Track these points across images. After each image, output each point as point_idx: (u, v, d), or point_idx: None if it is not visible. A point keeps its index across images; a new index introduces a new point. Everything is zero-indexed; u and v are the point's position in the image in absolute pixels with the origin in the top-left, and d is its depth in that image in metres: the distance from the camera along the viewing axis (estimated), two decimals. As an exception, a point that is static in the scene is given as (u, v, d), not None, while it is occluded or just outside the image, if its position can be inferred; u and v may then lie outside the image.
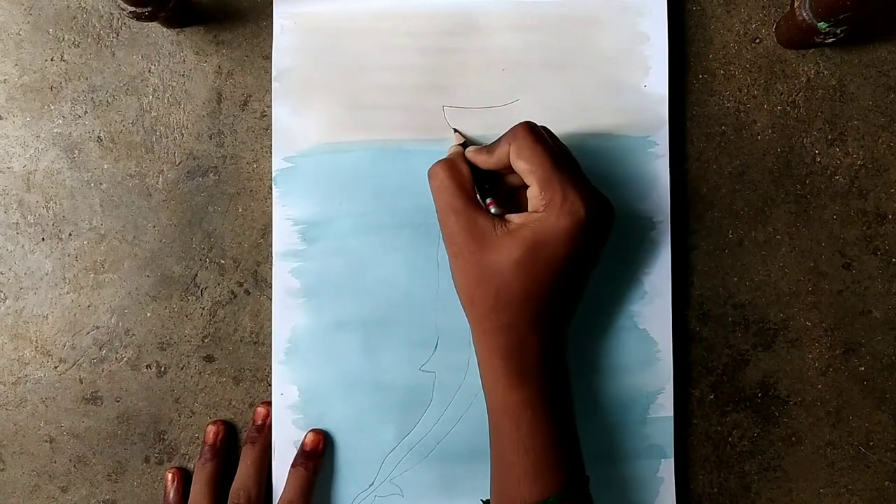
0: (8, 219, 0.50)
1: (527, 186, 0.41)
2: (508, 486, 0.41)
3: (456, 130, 0.48)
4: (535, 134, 0.41)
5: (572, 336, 0.45)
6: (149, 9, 0.45)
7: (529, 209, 0.41)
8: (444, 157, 0.44)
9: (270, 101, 0.49)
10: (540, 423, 0.41)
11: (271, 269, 0.49)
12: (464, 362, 0.49)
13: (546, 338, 0.42)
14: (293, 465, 0.48)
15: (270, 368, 0.49)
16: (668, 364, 0.49)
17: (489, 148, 0.43)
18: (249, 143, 0.50)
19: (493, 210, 0.43)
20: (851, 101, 0.50)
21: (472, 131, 0.49)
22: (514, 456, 0.41)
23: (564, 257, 0.40)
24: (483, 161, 0.43)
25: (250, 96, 0.50)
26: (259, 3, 0.50)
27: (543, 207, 0.40)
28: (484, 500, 0.44)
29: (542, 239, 0.40)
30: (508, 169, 0.42)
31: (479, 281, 0.41)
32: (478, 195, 0.43)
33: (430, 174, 0.43)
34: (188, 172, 0.50)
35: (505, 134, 0.42)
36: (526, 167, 0.41)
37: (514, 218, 0.41)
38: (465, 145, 0.46)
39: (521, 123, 0.42)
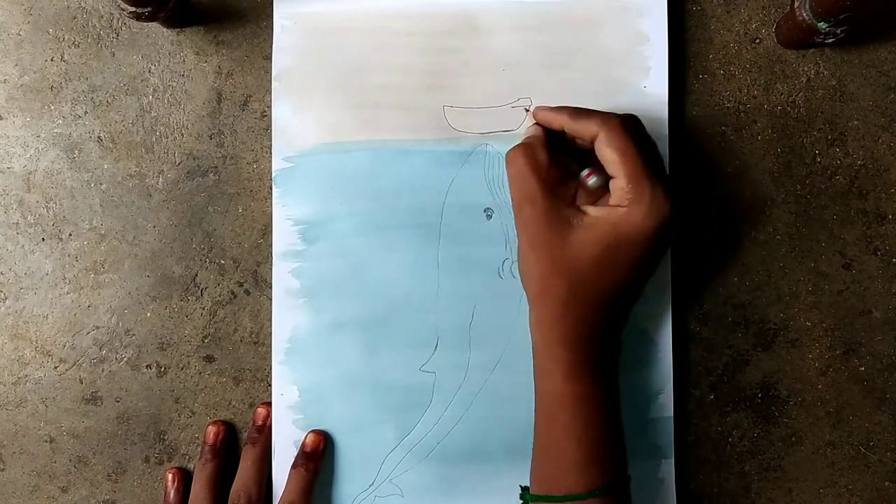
0: (8, 219, 0.50)
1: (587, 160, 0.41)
2: (556, 474, 0.41)
3: (527, 110, 0.48)
4: (628, 125, 0.41)
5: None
6: (149, 9, 0.45)
7: (612, 202, 0.40)
8: (522, 140, 0.43)
9: (270, 101, 0.49)
10: (595, 417, 0.41)
11: (271, 269, 0.49)
12: (464, 362, 0.49)
13: (611, 334, 0.42)
14: (293, 466, 0.48)
15: (270, 368, 0.49)
16: (668, 364, 0.49)
17: (573, 112, 0.42)
18: (249, 143, 0.50)
19: (591, 181, 0.41)
20: (851, 101, 0.50)
21: (472, 131, 0.49)
22: (565, 446, 0.41)
23: (644, 256, 0.40)
24: (560, 119, 0.42)
25: (250, 96, 0.50)
26: (259, 3, 0.50)
27: (629, 202, 0.40)
28: (523, 486, 0.44)
29: (625, 235, 0.40)
30: (580, 141, 0.42)
31: (554, 273, 0.40)
32: (573, 166, 0.42)
33: (508, 159, 0.43)
34: (188, 172, 0.50)
35: (594, 113, 0.41)
36: (615, 157, 0.40)
37: (593, 211, 0.41)
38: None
39: (615, 114, 0.41)
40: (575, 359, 0.41)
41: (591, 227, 0.40)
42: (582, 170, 0.43)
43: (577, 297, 0.40)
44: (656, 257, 0.42)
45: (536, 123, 0.45)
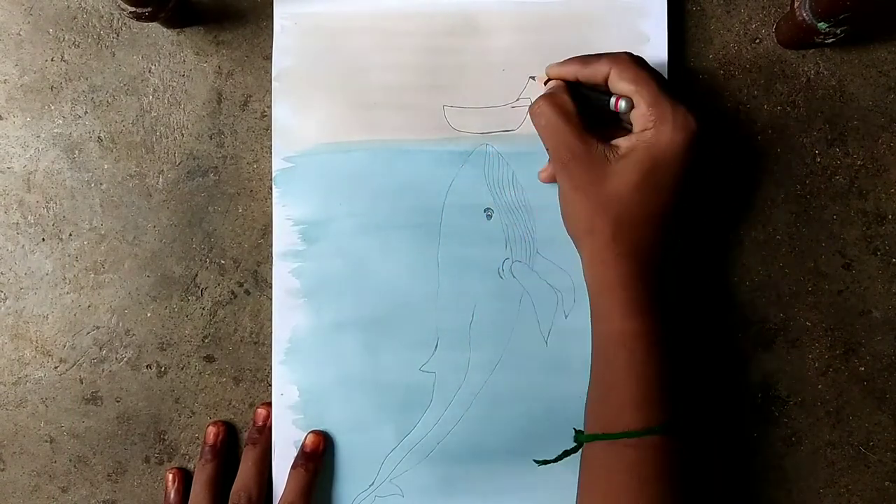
0: (8, 219, 0.50)
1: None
2: (611, 411, 0.41)
3: (533, 78, 0.48)
4: (637, 58, 0.42)
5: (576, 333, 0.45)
6: (149, 9, 0.45)
7: (636, 129, 0.42)
8: (545, 92, 0.44)
9: (270, 101, 0.49)
10: (654, 354, 0.41)
11: (271, 269, 0.49)
12: (464, 363, 0.49)
13: (662, 267, 0.42)
14: (293, 467, 0.48)
15: (270, 368, 0.49)
16: (669, 364, 0.48)
17: (583, 59, 0.44)
18: (249, 143, 0.50)
19: (622, 105, 0.42)
20: (851, 102, 0.50)
21: (472, 131, 0.49)
22: (622, 383, 0.41)
23: (681, 172, 0.41)
24: (573, 70, 0.44)
25: (250, 96, 0.50)
26: (259, 3, 0.50)
27: (653, 124, 0.41)
28: (577, 429, 0.44)
29: (659, 156, 0.41)
30: (594, 80, 0.43)
31: (600, 210, 0.41)
32: (599, 93, 0.43)
33: (534, 113, 0.44)
34: (188, 172, 0.50)
35: (603, 55, 0.43)
36: (631, 87, 0.41)
37: (623, 142, 0.42)
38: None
39: (622, 52, 0.43)
40: (630, 295, 0.41)
41: (626, 157, 0.41)
42: (608, 98, 0.43)
43: (623, 231, 0.41)
44: (690, 173, 0.42)
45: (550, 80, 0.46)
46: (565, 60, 0.45)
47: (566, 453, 0.45)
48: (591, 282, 0.43)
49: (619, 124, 0.45)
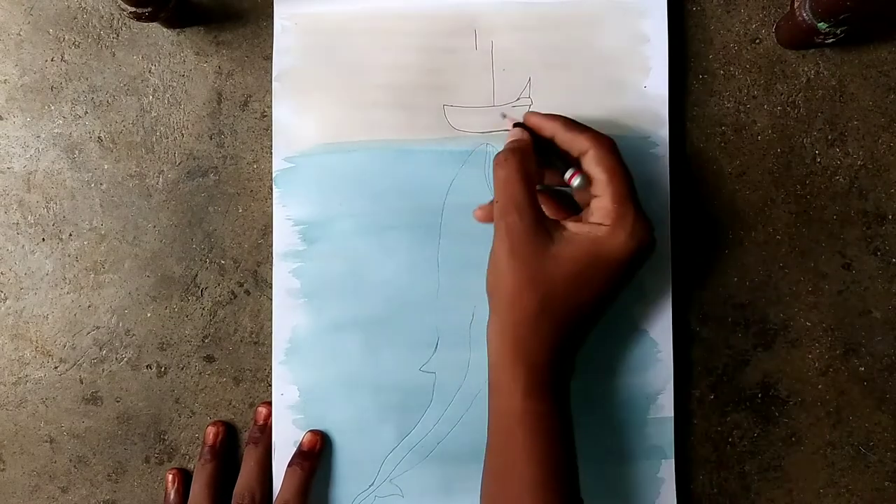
0: (8, 219, 0.50)
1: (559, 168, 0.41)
2: (510, 494, 0.40)
3: (504, 115, 0.48)
4: (617, 150, 0.41)
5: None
6: (149, 9, 0.45)
7: (591, 219, 0.40)
8: (510, 143, 0.43)
9: (270, 101, 0.49)
10: (554, 438, 0.40)
11: (271, 269, 0.49)
12: (464, 363, 0.49)
13: (570, 355, 0.41)
14: (289, 465, 0.48)
15: (270, 369, 0.49)
16: (669, 364, 0.48)
17: (566, 122, 0.42)
18: (249, 144, 0.50)
19: (576, 182, 0.41)
20: (851, 102, 0.50)
21: (472, 131, 0.49)
22: (522, 467, 0.39)
23: (620, 278, 0.40)
24: (552, 127, 0.42)
25: (250, 96, 0.50)
26: (259, 3, 0.50)
27: (612, 222, 0.39)
28: None
29: (606, 255, 0.39)
30: (566, 153, 0.42)
31: (529, 285, 0.39)
32: (559, 157, 0.43)
33: (498, 162, 0.42)
34: (188, 172, 0.50)
35: (587, 130, 0.42)
36: (603, 176, 0.40)
37: (574, 227, 0.40)
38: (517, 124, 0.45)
39: (606, 136, 0.41)
40: (535, 377, 0.40)
41: (571, 242, 0.40)
42: (566, 168, 0.42)
43: (546, 313, 0.40)
44: (627, 281, 0.41)
45: (520, 127, 0.44)
46: (549, 115, 0.43)
47: None
48: (496, 352, 0.41)
49: (566, 197, 0.44)
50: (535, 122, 0.44)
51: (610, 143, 0.41)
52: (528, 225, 0.40)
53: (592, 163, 0.41)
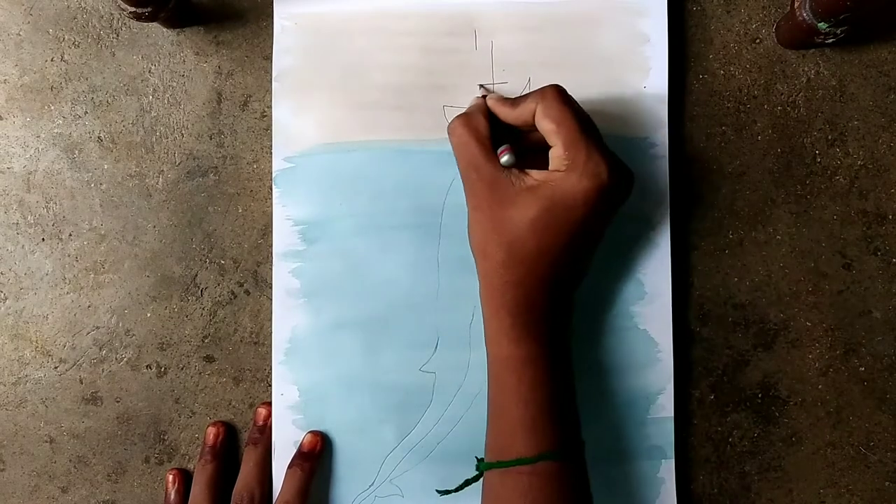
0: (8, 219, 0.50)
1: (547, 148, 0.42)
2: (504, 438, 0.41)
3: (481, 86, 0.48)
4: (564, 96, 0.42)
5: (574, 333, 0.45)
6: (149, 9, 0.45)
7: (551, 168, 0.41)
8: (464, 111, 0.44)
9: (270, 101, 0.49)
10: (541, 380, 0.41)
11: (271, 269, 0.49)
12: (464, 362, 0.49)
13: (554, 298, 0.42)
14: (290, 466, 0.48)
15: (270, 369, 0.49)
16: (669, 365, 0.48)
17: (514, 101, 0.43)
18: (249, 144, 0.50)
19: (504, 159, 0.42)
20: (851, 102, 0.50)
21: (473, 131, 0.49)
22: (513, 409, 0.41)
23: (581, 219, 0.41)
24: (505, 113, 0.43)
25: (250, 96, 0.50)
26: (259, 3, 0.50)
27: (566, 167, 0.40)
28: (479, 457, 0.44)
29: (561, 198, 0.40)
30: (529, 127, 0.43)
31: (494, 234, 0.41)
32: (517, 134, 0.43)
33: (449, 130, 0.44)
34: (188, 172, 0.50)
35: (532, 92, 0.43)
36: (551, 127, 0.41)
37: (535, 174, 0.41)
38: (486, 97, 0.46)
39: (550, 85, 0.42)
40: (517, 322, 0.41)
41: (530, 191, 0.41)
42: (499, 146, 0.43)
43: (513, 259, 0.41)
44: (595, 224, 0.42)
45: (482, 97, 0.46)
46: (501, 98, 0.44)
47: (467, 482, 0.45)
48: (483, 304, 0.43)
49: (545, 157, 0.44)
50: (492, 107, 0.44)
51: (553, 93, 0.42)
52: (486, 177, 0.42)
53: (541, 117, 0.41)
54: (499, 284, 0.42)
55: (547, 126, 0.41)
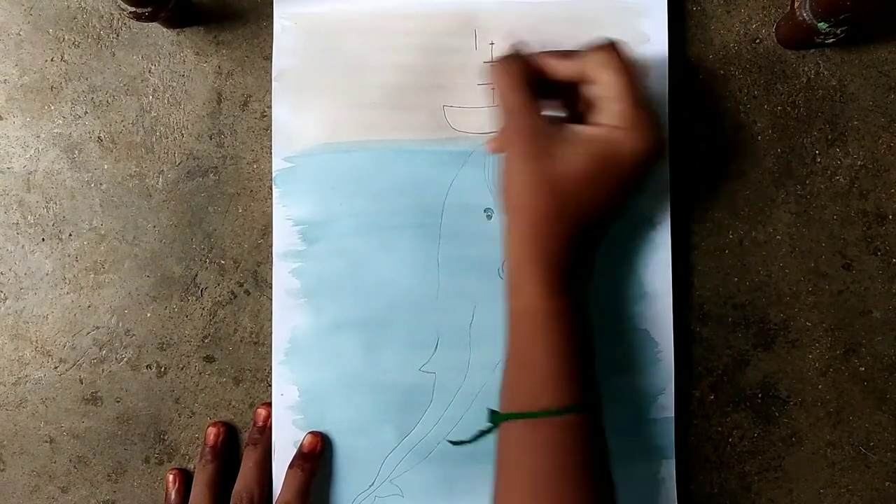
0: (8, 219, 0.50)
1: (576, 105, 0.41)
2: (531, 391, 0.41)
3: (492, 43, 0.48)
4: (625, 52, 0.40)
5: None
6: (149, 9, 0.45)
7: (604, 120, 0.40)
8: (502, 55, 0.42)
9: (270, 101, 0.49)
10: (569, 333, 0.41)
11: (271, 269, 0.49)
12: (464, 363, 0.49)
13: (584, 254, 0.42)
14: (290, 466, 0.48)
15: (270, 369, 0.49)
16: (669, 364, 0.48)
17: (566, 53, 0.42)
18: (249, 143, 0.50)
19: (550, 112, 0.41)
20: (851, 102, 0.50)
21: (472, 131, 0.49)
22: (542, 361, 0.41)
23: (631, 180, 0.40)
24: (555, 64, 0.42)
25: (250, 96, 0.50)
26: (259, 3, 0.50)
27: (628, 125, 0.39)
28: (492, 409, 0.43)
29: (618, 155, 0.40)
30: (579, 80, 0.41)
31: (540, 185, 0.40)
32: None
33: (496, 73, 0.42)
34: (188, 172, 0.50)
35: (588, 46, 0.41)
36: (614, 79, 0.39)
37: (585, 128, 0.40)
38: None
39: (608, 40, 0.41)
40: (547, 275, 0.41)
41: (584, 143, 0.40)
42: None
43: (558, 212, 0.40)
44: (639, 183, 0.42)
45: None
46: (546, 54, 0.42)
47: (482, 433, 0.44)
48: (515, 256, 0.42)
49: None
50: (540, 60, 0.42)
51: (615, 46, 0.40)
52: (535, 127, 0.40)
53: (601, 67, 0.40)
54: (532, 237, 0.41)
55: (607, 77, 0.40)
